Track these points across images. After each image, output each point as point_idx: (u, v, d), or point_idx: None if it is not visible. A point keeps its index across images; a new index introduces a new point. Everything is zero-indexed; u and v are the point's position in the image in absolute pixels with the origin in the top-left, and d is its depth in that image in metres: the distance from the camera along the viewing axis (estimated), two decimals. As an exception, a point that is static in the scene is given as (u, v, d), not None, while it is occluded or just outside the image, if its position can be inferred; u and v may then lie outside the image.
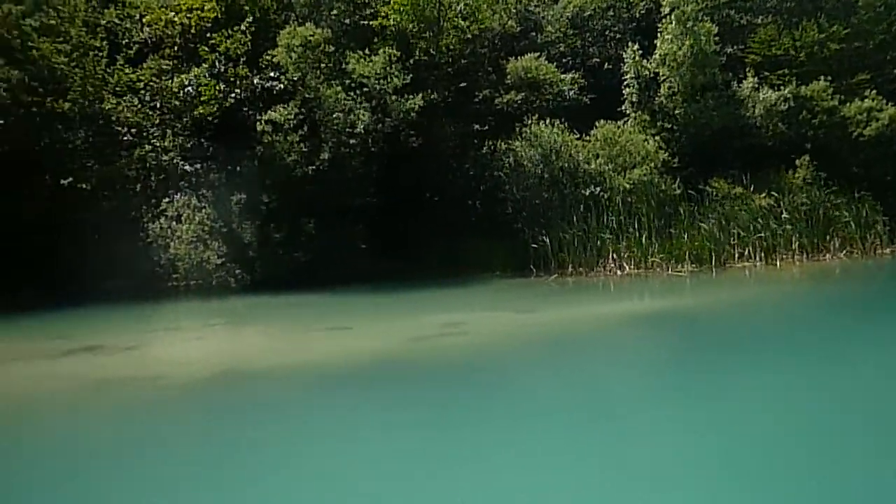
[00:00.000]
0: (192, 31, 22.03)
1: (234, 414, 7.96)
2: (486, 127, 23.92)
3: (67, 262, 19.27)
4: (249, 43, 21.60)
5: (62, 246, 19.43)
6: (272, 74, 21.58)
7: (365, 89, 20.37)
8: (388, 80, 20.37)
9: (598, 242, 19.55)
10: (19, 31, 19.70)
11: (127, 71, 20.93)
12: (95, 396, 9.02)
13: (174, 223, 19.66)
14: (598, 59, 27.11)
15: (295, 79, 20.97)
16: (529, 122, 21.98)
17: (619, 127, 22.51)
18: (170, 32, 21.99)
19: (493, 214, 21.26)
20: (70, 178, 19.58)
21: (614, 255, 19.28)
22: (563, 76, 24.36)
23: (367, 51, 20.79)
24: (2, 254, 18.67)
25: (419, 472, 5.83)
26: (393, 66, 20.52)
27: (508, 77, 23.85)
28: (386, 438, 6.65)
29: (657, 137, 22.37)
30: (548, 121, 21.79)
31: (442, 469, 5.86)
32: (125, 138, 21.12)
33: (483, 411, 7.41)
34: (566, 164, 21.14)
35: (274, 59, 21.16)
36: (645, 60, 23.59)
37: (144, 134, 21.18)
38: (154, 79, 21.15)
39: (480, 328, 12.14)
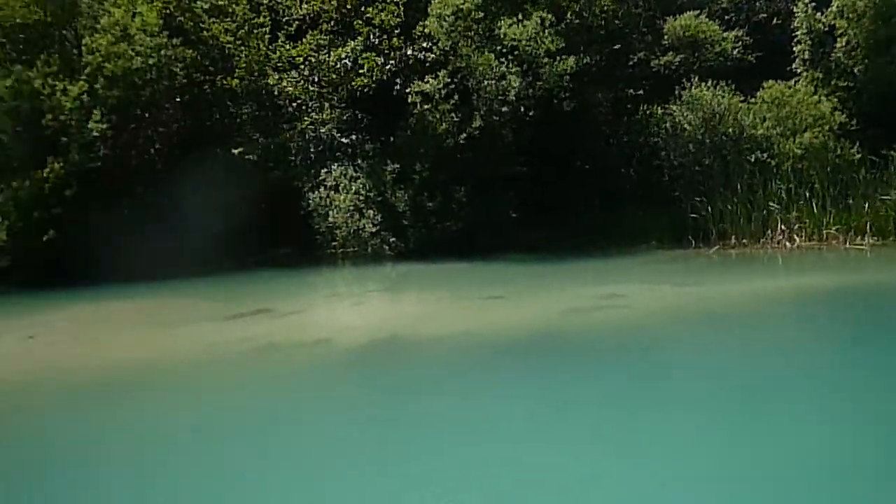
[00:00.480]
0: (347, 5, 22.55)
1: (395, 380, 8.13)
2: (641, 91, 22.91)
3: (237, 229, 20.56)
4: (402, 14, 21.84)
5: (233, 214, 20.74)
6: (424, 45, 21.74)
7: (516, 53, 20.02)
8: (540, 43, 19.91)
9: (765, 213, 18.21)
10: (191, 13, 21.03)
11: (287, 47, 21.82)
12: (263, 359, 9.51)
13: (332, 193, 20.39)
14: (764, 15, 25.12)
15: (446, 48, 20.99)
16: (689, 84, 20.78)
17: (788, 87, 20.79)
18: (326, 8, 22.62)
19: (649, 183, 20.39)
20: (239, 150, 20.80)
21: (783, 227, 17.89)
22: (725, 34, 22.79)
23: (519, 16, 20.39)
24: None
25: (581, 450, 5.66)
26: (545, 30, 20.03)
27: (666, 37, 22.64)
28: (543, 413, 6.53)
29: (832, 98, 20.47)
30: (709, 83, 20.49)
31: (596, 452, 5.65)
32: (287, 111, 22.14)
33: (635, 391, 7.08)
34: (729, 129, 19.82)
35: (426, 30, 21.28)
36: (818, 13, 21.58)
37: (304, 107, 22.09)
38: (312, 54, 21.90)
39: (638, 301, 11.66)
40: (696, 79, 20.81)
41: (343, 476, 5.38)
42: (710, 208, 18.64)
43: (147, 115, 20.53)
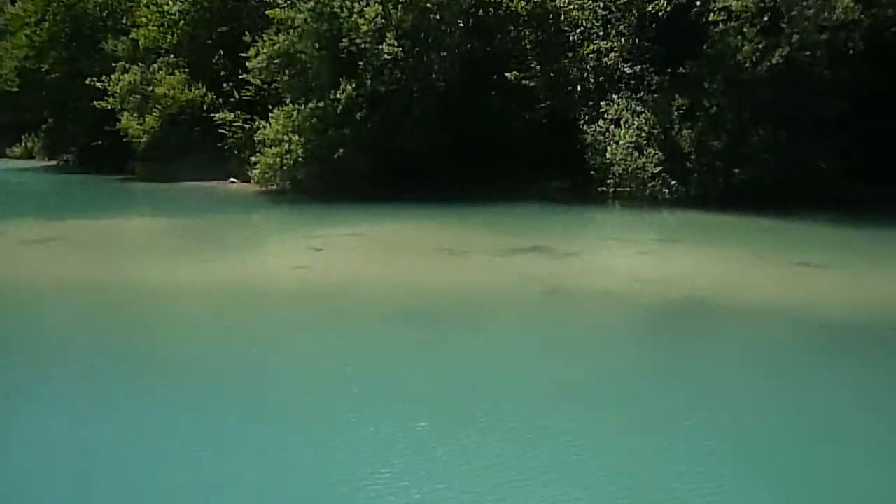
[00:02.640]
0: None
1: (726, 355, 7.05)
2: None
3: (511, 158, 20.21)
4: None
5: (508, 143, 20.40)
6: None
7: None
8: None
9: None
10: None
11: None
12: (555, 305, 8.90)
13: (612, 127, 19.14)
14: None
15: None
16: None
17: None
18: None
19: None
20: (519, 76, 20.21)
21: None
22: None
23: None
24: (456, 147, 20.27)
25: None
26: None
27: None
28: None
29: None
30: None
31: None
32: (570, 38, 21.00)
33: None
34: None
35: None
36: None
37: (588, 34, 20.79)
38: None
39: None
40: None
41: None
42: None
43: (430, 40, 20.53)
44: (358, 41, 19.23)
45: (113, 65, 28.88)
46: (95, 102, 28.55)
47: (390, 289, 9.55)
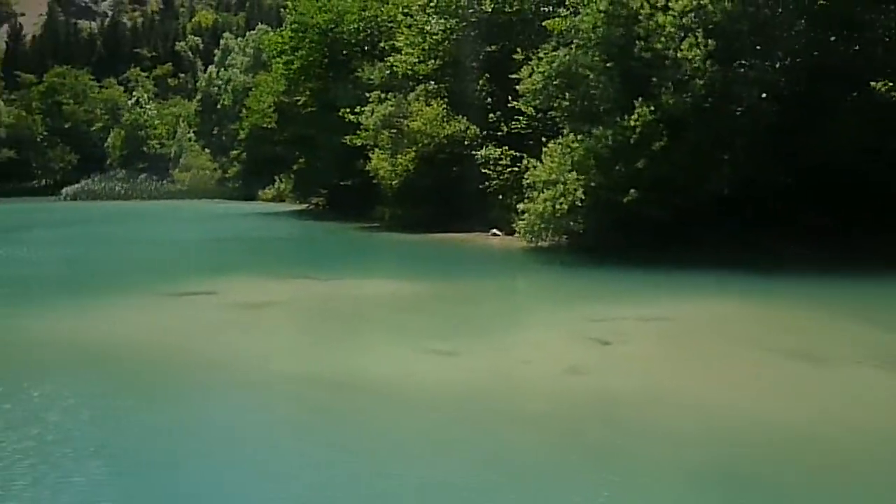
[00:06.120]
0: None
1: None
2: None
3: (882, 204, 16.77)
4: None
5: (876, 182, 16.88)
6: None
7: None
8: None
9: None
10: None
11: None
12: None
13: None
14: None
15: None
16: None
17: None
18: None
19: None
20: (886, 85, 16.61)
21: None
22: None
23: None
24: (795, 188, 17.24)
25: None
26: None
27: None
28: None
29: None
30: None
31: None
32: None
33: None
34: None
35: None
36: None
37: None
38: None
39: None
40: None
41: None
42: None
43: (752, 38, 17.55)
44: (658, 46, 16.98)
45: (366, 94, 29.60)
46: (347, 138, 29.42)
47: (720, 422, 6.98)
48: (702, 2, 17.10)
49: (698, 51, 16.70)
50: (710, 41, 16.80)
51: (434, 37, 27.60)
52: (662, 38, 17.05)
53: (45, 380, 8.66)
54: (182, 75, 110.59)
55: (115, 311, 12.88)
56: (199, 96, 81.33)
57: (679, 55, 16.82)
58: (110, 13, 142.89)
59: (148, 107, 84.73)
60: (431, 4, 27.61)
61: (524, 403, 7.71)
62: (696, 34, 16.85)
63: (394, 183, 27.30)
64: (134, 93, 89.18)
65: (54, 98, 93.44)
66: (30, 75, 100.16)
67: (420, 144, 26.16)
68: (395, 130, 27.31)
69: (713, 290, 13.82)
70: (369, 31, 33.28)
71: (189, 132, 76.70)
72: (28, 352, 10.06)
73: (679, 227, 17.67)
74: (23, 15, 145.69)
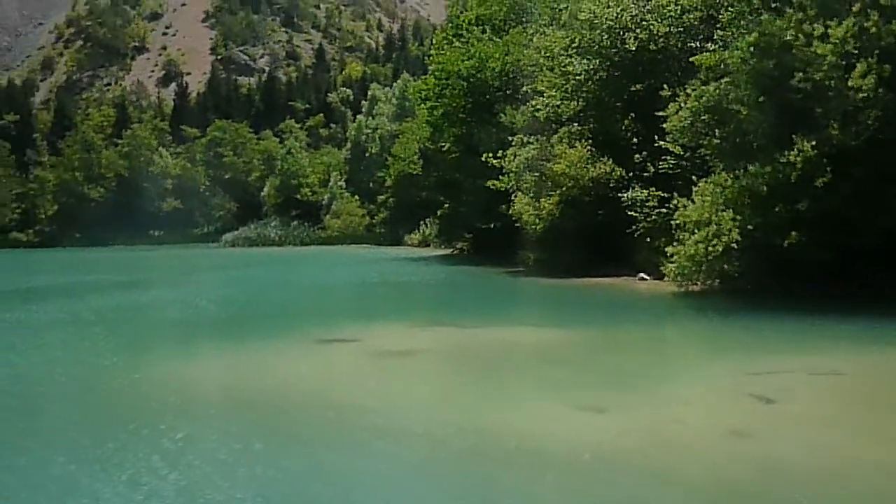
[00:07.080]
0: None
1: None
2: None
3: None
4: None
5: None
6: None
7: None
8: None
9: None
10: None
11: None
12: None
13: None
14: None
15: None
16: None
17: None
18: None
19: None
20: None
21: None
22: None
23: None
24: None
25: None
26: None
27: None
28: None
29: None
30: None
31: None
32: None
33: None
34: None
35: None
36: None
37: None
38: None
39: None
40: None
41: None
42: None
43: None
44: (818, 76, 15.85)
45: (509, 138, 29.46)
46: (490, 182, 29.33)
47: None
48: (865, 25, 15.92)
49: (871, 79, 15.49)
50: (885, 66, 15.57)
51: (577, 78, 27.08)
52: (824, 68, 15.93)
53: (190, 422, 8.91)
54: (333, 125, 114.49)
55: (263, 356, 13.15)
56: (348, 145, 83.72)
57: (850, 83, 15.66)
58: (267, 69, 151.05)
59: (300, 156, 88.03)
60: (573, 45, 27.16)
61: (681, 469, 7.04)
62: (868, 60, 15.64)
63: (538, 227, 26.81)
64: (286, 142, 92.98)
65: (216, 150, 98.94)
66: (194, 129, 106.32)
67: (564, 187, 25.60)
68: (538, 174, 26.90)
69: (891, 339, 12.53)
70: (511, 75, 33.19)
71: (340, 179, 79.07)
72: (179, 392, 10.32)
73: (846, 269, 16.35)
74: (189, 74, 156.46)
